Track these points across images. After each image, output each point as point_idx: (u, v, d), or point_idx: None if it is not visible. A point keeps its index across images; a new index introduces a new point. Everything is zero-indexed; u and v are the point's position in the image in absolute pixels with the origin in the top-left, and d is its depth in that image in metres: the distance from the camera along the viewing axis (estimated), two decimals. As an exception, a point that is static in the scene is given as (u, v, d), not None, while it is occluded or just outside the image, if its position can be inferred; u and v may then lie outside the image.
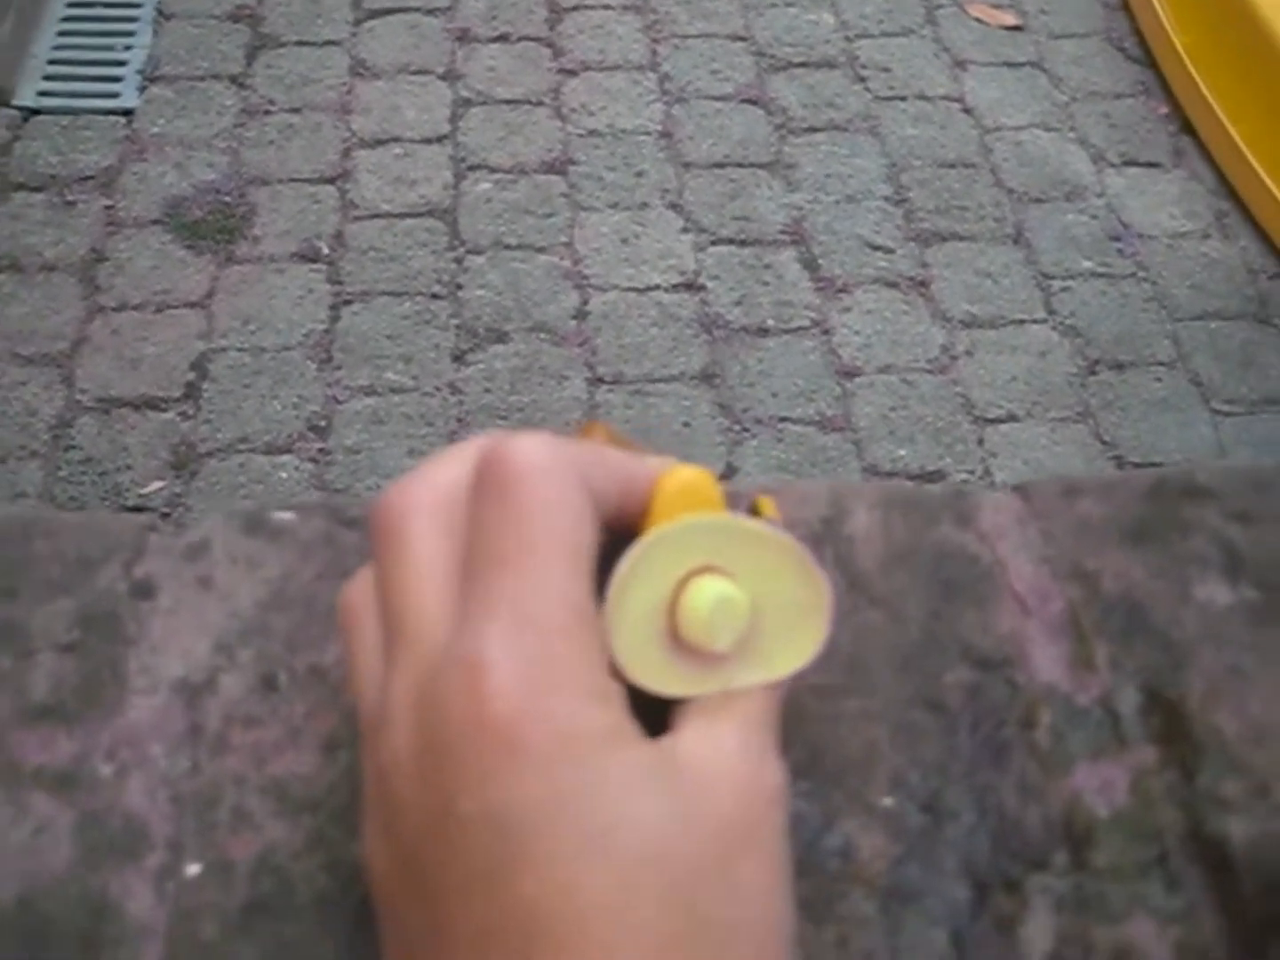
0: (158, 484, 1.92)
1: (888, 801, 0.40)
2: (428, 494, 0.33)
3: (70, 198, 2.31)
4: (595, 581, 0.32)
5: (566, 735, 0.30)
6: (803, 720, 0.41)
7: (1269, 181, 2.41)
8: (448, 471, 0.33)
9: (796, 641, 0.35)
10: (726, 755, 0.32)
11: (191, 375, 2.05)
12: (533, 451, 0.32)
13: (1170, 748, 0.42)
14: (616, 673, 0.32)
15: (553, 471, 0.32)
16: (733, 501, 0.36)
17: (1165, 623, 0.45)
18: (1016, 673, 0.43)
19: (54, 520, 0.43)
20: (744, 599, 0.34)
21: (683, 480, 0.35)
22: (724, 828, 0.31)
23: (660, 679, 0.33)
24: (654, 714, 0.33)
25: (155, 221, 2.28)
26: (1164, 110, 2.65)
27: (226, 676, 0.40)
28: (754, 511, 0.39)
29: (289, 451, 1.96)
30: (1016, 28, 2.78)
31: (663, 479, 0.35)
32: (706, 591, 0.33)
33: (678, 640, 0.33)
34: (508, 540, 0.31)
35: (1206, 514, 0.48)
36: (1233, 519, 0.48)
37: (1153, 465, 2.05)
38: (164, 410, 2.01)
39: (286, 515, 0.43)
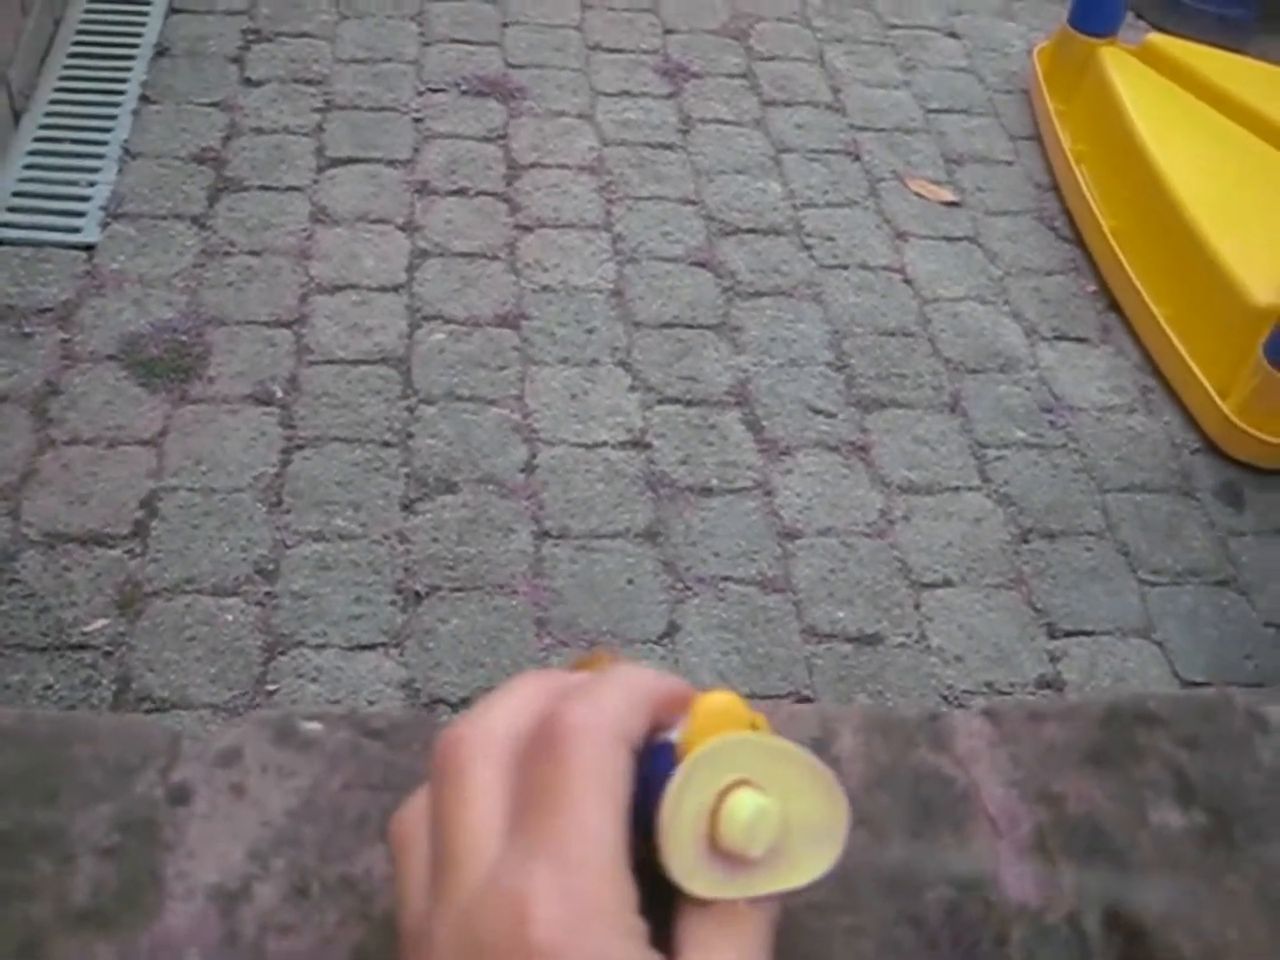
0: (101, 622, 1.92)
1: (875, 1016, 0.43)
2: (488, 736, 0.37)
3: (27, 329, 2.33)
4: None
5: None
6: (800, 936, 0.44)
7: (1190, 361, 2.53)
8: (508, 715, 0.38)
9: (815, 854, 0.39)
10: None
11: (140, 513, 2.06)
12: (582, 715, 0.36)
13: (1131, 966, 0.46)
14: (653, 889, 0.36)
15: (596, 733, 0.36)
16: None
17: (1124, 845, 0.48)
18: (990, 891, 0.47)
19: (92, 725, 0.46)
20: (778, 811, 0.37)
21: (718, 703, 0.40)
22: None
23: (696, 881, 0.37)
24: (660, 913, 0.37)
25: (111, 357, 2.30)
26: (1092, 288, 2.77)
27: (261, 885, 0.42)
28: (752, 727, 0.43)
29: (235, 594, 1.97)
30: (954, 204, 2.91)
31: (700, 701, 0.39)
32: (746, 804, 0.37)
33: (714, 846, 0.37)
34: (556, 792, 0.35)
35: (1158, 740, 0.52)
36: (1182, 745, 0.52)
37: (1085, 633, 2.12)
38: (111, 548, 2.01)
39: (314, 725, 0.46)
